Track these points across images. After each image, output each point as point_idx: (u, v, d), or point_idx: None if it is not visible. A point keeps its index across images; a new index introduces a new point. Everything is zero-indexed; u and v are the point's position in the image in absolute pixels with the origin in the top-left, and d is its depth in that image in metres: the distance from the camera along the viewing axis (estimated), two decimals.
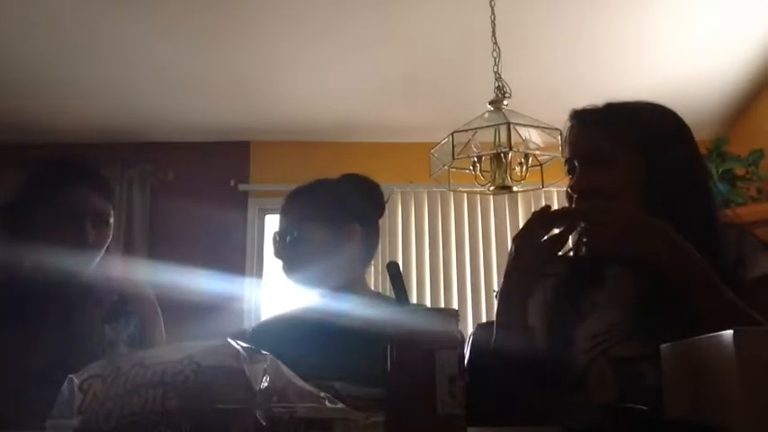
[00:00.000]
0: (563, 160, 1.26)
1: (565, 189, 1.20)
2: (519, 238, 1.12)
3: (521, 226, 1.17)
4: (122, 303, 1.50)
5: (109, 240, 1.49)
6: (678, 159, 1.15)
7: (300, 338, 1.38)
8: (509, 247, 1.14)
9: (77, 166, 1.53)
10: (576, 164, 1.19)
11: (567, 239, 1.12)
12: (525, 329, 1.13)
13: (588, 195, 1.15)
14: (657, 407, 0.81)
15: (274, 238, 1.51)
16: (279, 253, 1.50)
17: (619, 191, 1.13)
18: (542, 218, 1.12)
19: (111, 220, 1.50)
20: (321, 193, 1.52)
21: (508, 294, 1.13)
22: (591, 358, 1.11)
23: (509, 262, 1.13)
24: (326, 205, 1.49)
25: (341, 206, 1.50)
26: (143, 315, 1.51)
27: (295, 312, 1.55)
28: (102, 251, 1.48)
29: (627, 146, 1.15)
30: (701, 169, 1.22)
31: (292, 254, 1.47)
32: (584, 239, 1.09)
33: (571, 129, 1.23)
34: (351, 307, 1.47)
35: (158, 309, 1.56)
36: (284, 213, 1.52)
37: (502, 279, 1.15)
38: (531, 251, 1.11)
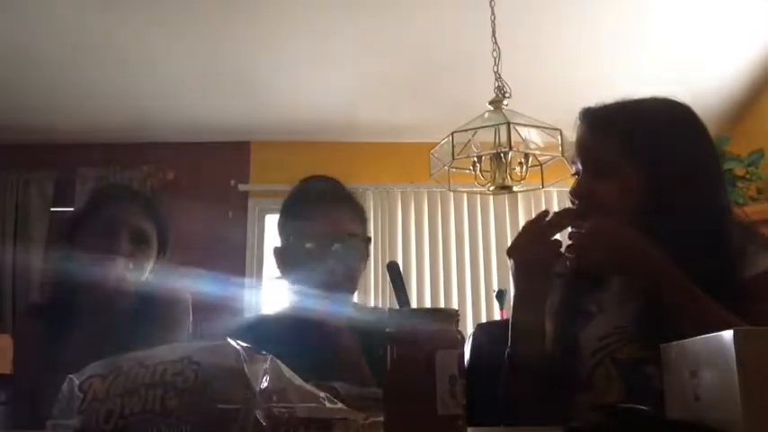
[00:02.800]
0: (564, 159, 1.25)
1: (569, 189, 1.20)
2: (514, 248, 1.13)
3: (521, 226, 1.17)
4: (150, 310, 1.52)
5: (150, 260, 1.56)
6: (683, 168, 1.13)
7: (298, 338, 1.37)
8: (509, 262, 1.14)
9: (124, 187, 1.67)
10: (581, 167, 1.19)
11: (561, 245, 1.13)
12: (540, 333, 1.14)
13: (586, 202, 1.15)
14: (662, 408, 0.81)
15: (309, 245, 1.40)
16: (328, 261, 1.38)
17: (618, 200, 1.12)
18: (533, 228, 1.13)
19: (154, 240, 1.57)
20: (360, 209, 1.50)
21: (522, 297, 1.14)
22: (597, 361, 1.11)
23: (513, 273, 1.14)
24: (365, 222, 1.50)
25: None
26: (167, 323, 1.53)
27: (286, 312, 1.52)
28: (144, 268, 1.54)
29: (632, 156, 1.13)
30: (712, 170, 1.18)
31: (341, 265, 1.38)
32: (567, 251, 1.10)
33: (579, 128, 1.21)
34: (347, 307, 1.46)
35: (186, 318, 1.59)
36: (332, 222, 1.41)
37: (513, 285, 1.15)
38: (531, 255, 1.12)
